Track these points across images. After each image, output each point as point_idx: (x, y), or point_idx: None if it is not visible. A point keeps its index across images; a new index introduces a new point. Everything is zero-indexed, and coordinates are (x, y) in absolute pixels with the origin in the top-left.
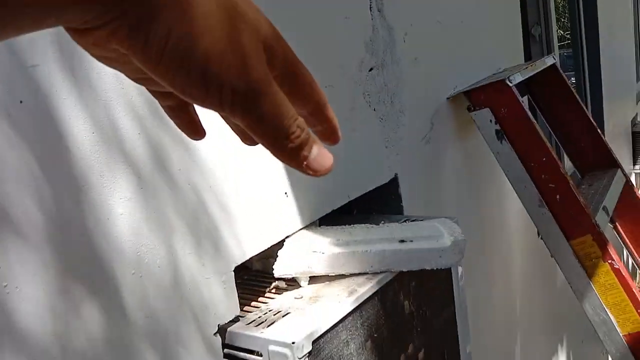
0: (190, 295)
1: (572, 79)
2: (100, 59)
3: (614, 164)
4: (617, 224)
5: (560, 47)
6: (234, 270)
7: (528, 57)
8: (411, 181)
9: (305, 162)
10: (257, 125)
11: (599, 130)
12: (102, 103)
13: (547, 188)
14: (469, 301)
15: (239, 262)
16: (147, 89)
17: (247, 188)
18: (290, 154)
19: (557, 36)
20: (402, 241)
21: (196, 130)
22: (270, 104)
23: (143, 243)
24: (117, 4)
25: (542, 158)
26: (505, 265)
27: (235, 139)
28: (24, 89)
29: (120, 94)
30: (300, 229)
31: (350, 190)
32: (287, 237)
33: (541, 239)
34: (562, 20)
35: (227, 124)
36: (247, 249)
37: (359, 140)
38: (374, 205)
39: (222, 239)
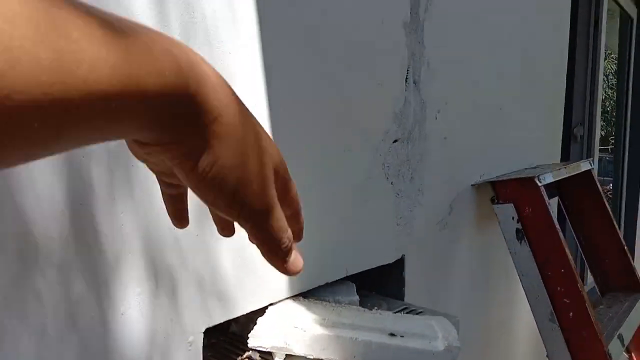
0: (150, 350)
1: (611, 185)
2: (140, 157)
3: (638, 289)
4: (632, 354)
5: (604, 151)
6: (205, 332)
7: (566, 157)
8: (418, 266)
9: (285, 265)
10: (261, 234)
11: (626, 250)
12: None
13: (562, 303)
14: None
15: (212, 324)
16: (159, 178)
17: (233, 246)
18: (278, 257)
19: (600, 139)
20: (392, 335)
21: (183, 219)
22: (274, 221)
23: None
24: (177, 133)
25: (560, 269)
26: None
27: None
28: None
29: None
30: (287, 298)
31: (349, 264)
32: (271, 304)
33: (547, 357)
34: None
35: (212, 213)
36: (224, 311)
37: (369, 213)
38: (374, 284)
39: (198, 295)
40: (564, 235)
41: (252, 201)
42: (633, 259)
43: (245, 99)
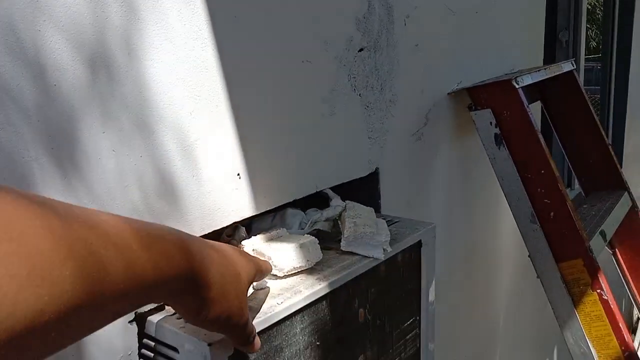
0: None
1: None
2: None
3: (622, 186)
4: (616, 250)
5: (594, 59)
6: None
7: (551, 63)
8: (394, 179)
9: (252, 347)
10: (237, 336)
11: (610, 148)
12: None
13: (542, 203)
14: (446, 307)
15: None
16: None
17: (193, 164)
18: (248, 345)
19: (591, 46)
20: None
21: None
22: (247, 327)
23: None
24: (183, 298)
25: (540, 170)
26: (492, 279)
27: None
28: None
29: None
30: (254, 215)
31: (319, 180)
32: (235, 223)
33: (529, 257)
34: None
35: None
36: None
37: (337, 127)
38: (351, 198)
39: (157, 215)
40: (550, 141)
41: (236, 323)
42: (620, 164)
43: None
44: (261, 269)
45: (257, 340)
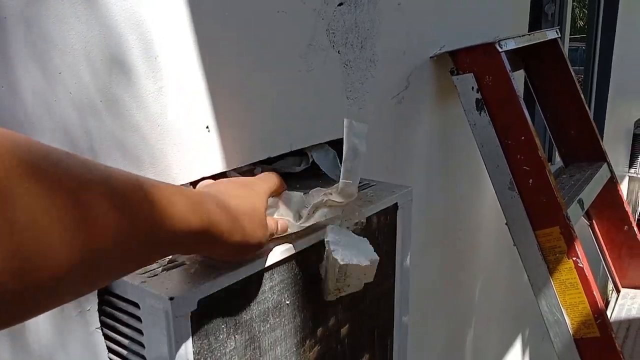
0: None
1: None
2: None
3: (602, 157)
4: (593, 221)
5: (579, 40)
6: None
7: None
8: (373, 142)
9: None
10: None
11: (591, 119)
12: None
13: (521, 170)
14: (419, 277)
15: None
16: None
17: (159, 112)
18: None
19: (577, 25)
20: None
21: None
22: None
23: None
24: (199, 249)
25: (520, 137)
26: (469, 248)
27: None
28: None
29: None
30: (226, 171)
31: (294, 138)
32: (204, 178)
33: (506, 224)
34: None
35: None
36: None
37: (314, 84)
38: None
39: (120, 164)
40: (532, 112)
41: (256, 246)
42: (602, 138)
43: None
44: (276, 183)
45: (278, 227)
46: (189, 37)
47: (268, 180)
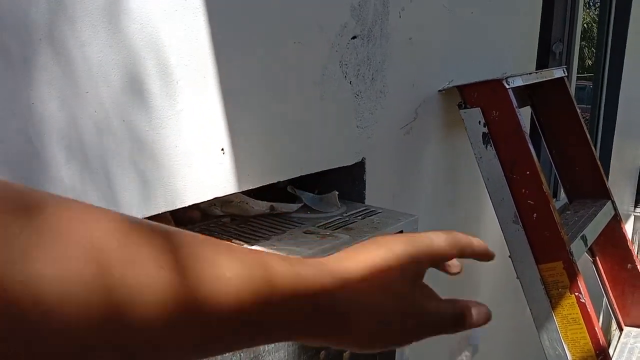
0: None
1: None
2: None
3: (606, 195)
4: (597, 258)
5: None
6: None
7: None
8: (380, 170)
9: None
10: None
11: (596, 157)
12: None
13: (526, 204)
14: None
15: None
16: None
17: (177, 134)
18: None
19: (586, 64)
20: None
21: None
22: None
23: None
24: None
25: (526, 171)
26: (472, 278)
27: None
28: None
29: None
30: (236, 193)
31: (304, 163)
32: (217, 198)
33: (510, 257)
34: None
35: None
36: (162, 202)
37: (325, 111)
38: (334, 187)
39: (137, 183)
40: (538, 149)
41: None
42: (607, 177)
43: None
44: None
45: (471, 317)
46: (208, 63)
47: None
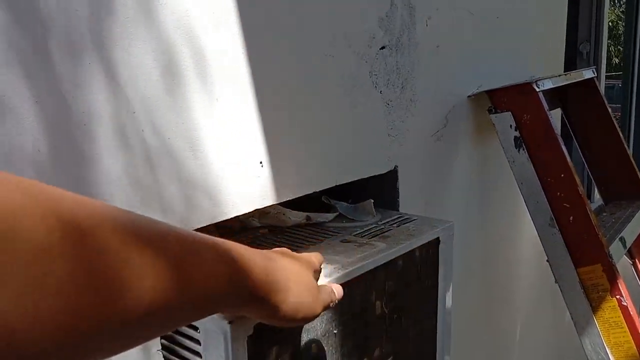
0: None
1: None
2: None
3: None
4: (636, 260)
5: (615, 77)
6: None
7: None
8: (413, 178)
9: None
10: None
11: (630, 156)
12: None
13: (561, 207)
14: (461, 311)
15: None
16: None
17: (214, 150)
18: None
19: (613, 62)
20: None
21: None
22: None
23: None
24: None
25: (560, 174)
26: (509, 283)
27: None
28: None
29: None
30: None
31: (339, 174)
32: (257, 209)
33: (547, 262)
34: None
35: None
36: (203, 216)
37: (357, 122)
38: (369, 195)
39: (177, 197)
40: (570, 151)
41: (310, 318)
42: None
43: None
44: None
45: (336, 293)
46: (246, 80)
47: (317, 258)
